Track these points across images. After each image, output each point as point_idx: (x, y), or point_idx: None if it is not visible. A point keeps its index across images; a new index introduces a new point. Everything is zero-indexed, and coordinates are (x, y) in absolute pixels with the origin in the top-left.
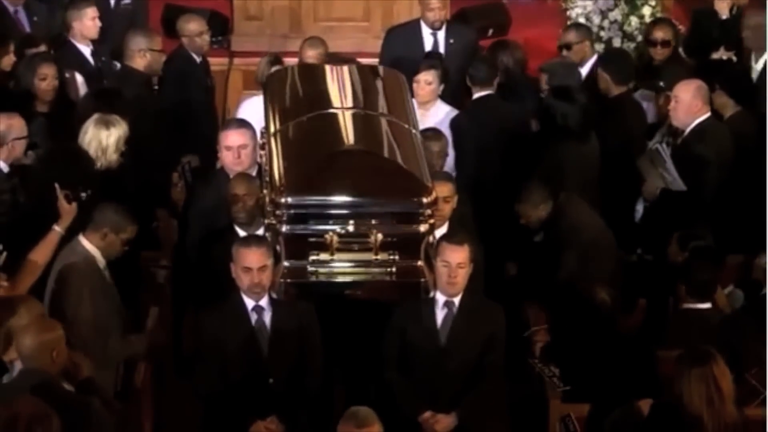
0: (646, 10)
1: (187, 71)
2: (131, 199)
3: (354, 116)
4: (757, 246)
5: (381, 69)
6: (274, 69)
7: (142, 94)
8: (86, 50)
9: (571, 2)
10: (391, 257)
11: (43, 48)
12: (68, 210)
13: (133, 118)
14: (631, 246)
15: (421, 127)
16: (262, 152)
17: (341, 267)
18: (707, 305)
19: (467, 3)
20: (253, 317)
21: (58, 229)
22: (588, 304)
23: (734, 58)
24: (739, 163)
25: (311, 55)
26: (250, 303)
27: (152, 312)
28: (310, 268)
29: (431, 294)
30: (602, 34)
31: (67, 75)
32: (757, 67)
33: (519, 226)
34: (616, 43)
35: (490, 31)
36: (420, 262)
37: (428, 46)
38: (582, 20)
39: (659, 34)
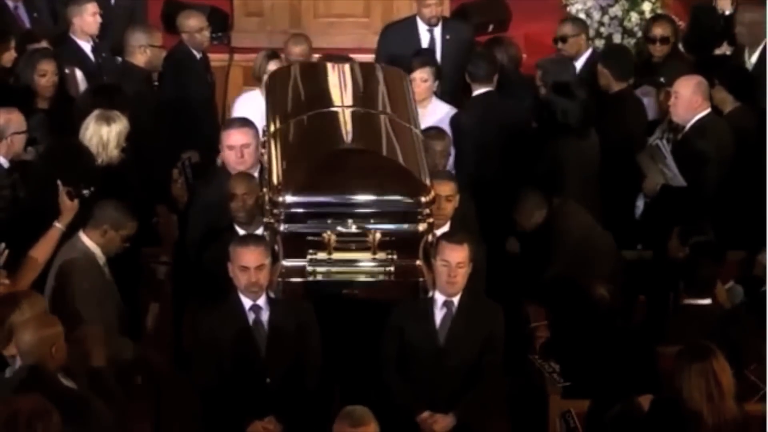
0: (646, 6)
1: (187, 67)
2: (132, 195)
3: (353, 115)
4: (758, 241)
5: (383, 67)
6: (271, 64)
7: (142, 90)
8: (87, 46)
9: None
10: (390, 256)
11: (43, 44)
12: (70, 206)
13: (132, 113)
14: (632, 242)
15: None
16: (264, 151)
17: (339, 266)
18: (707, 301)
19: None
20: (251, 317)
21: (59, 225)
22: (587, 300)
23: (727, 53)
24: (739, 159)
25: (296, 52)
26: (247, 302)
27: (152, 308)
28: (308, 268)
29: (430, 293)
30: (602, 30)
31: (66, 71)
32: (751, 61)
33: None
34: (616, 39)
35: (491, 27)
36: (419, 262)
37: (425, 42)
38: (582, 16)
39: (658, 31)
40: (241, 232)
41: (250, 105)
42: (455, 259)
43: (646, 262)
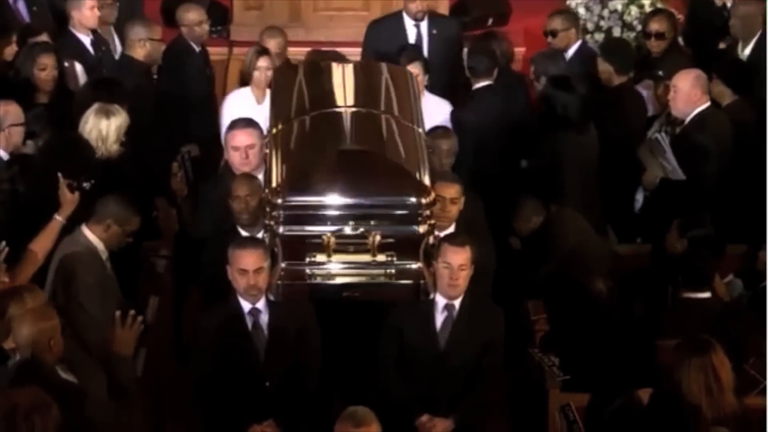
0: (646, 0)
1: (186, 61)
2: (131, 188)
3: (355, 115)
4: (758, 235)
5: (388, 66)
6: (261, 60)
7: (142, 84)
8: (86, 40)
9: None
10: (390, 258)
11: (43, 37)
12: (70, 199)
13: (132, 107)
14: (631, 235)
15: None
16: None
17: (339, 268)
18: (707, 294)
19: None
20: (250, 320)
21: (59, 218)
22: (585, 294)
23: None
24: (738, 152)
25: (271, 45)
26: (246, 305)
27: (152, 302)
28: (308, 270)
29: (431, 296)
30: (602, 23)
31: (66, 64)
32: (744, 54)
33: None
34: (616, 32)
35: (490, 21)
36: (419, 264)
37: (412, 38)
38: (582, 9)
39: (654, 26)
40: (245, 234)
41: (238, 104)
42: (457, 261)
43: (644, 257)
